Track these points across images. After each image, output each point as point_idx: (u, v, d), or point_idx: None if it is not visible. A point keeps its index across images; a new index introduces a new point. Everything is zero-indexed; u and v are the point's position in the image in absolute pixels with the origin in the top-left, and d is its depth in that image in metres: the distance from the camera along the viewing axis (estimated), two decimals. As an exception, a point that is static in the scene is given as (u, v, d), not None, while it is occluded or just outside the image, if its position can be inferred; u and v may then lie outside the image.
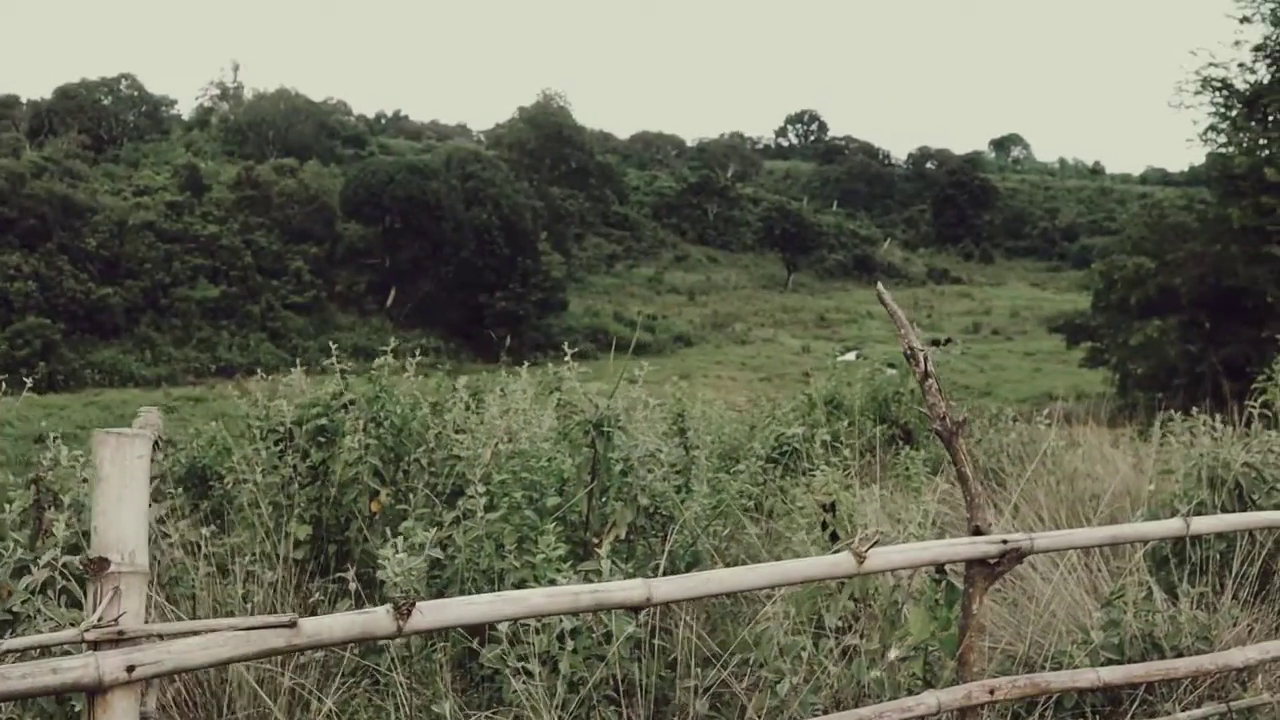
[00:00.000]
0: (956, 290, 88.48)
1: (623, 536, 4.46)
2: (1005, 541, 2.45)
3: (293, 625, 1.80)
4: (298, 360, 5.56)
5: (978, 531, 2.52)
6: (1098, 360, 34.69)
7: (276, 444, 5.40)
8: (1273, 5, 20.36)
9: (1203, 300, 20.25)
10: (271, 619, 1.80)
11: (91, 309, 47.49)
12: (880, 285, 2.98)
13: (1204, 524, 2.84)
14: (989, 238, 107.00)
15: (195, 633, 1.76)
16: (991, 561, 2.45)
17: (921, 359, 2.62)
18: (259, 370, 9.70)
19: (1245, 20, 20.72)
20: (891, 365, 12.63)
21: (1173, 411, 6.82)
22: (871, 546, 2.26)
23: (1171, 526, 2.73)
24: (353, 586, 4.01)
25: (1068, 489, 6.81)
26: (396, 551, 3.73)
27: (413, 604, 1.92)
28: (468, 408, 5.96)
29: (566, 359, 5.20)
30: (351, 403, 5.19)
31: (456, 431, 5.16)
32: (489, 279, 54.94)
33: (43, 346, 44.28)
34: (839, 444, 8.99)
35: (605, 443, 4.38)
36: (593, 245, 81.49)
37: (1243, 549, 4.05)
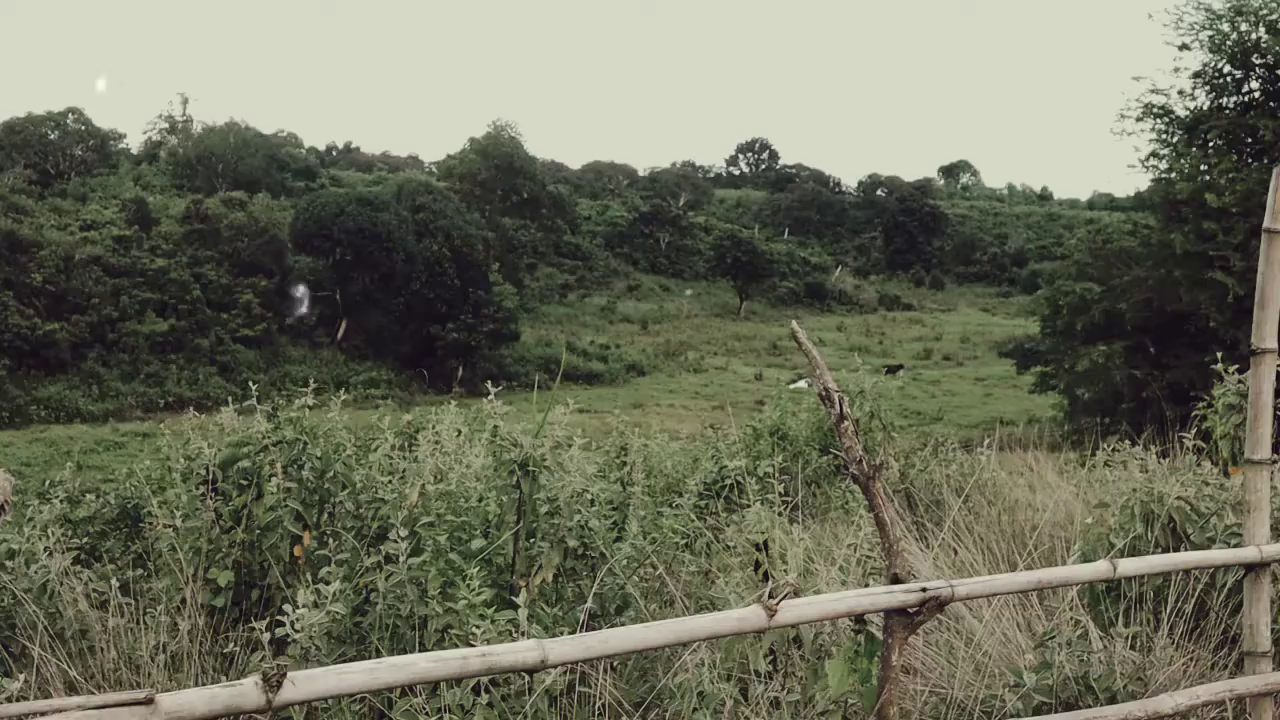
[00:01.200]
0: (908, 317, 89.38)
1: (550, 579, 4.34)
2: (924, 590, 2.36)
3: (149, 702, 1.66)
4: (253, 391, 5.36)
5: (896, 580, 2.42)
6: (1047, 385, 35.07)
7: (199, 486, 5.23)
8: (1210, 33, 20.78)
9: (1147, 325, 20.51)
10: (125, 696, 1.66)
11: (37, 344, 46.63)
12: (794, 324, 2.89)
13: (1131, 566, 2.77)
14: (939, 264, 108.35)
15: (40, 715, 1.62)
16: (911, 611, 2.36)
17: (836, 400, 2.53)
18: (208, 403, 9.49)
19: (1184, 48, 21.13)
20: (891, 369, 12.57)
21: (1118, 437, 6.79)
22: (784, 598, 2.16)
23: (1098, 569, 2.66)
24: (265, 638, 3.84)
25: (1009, 519, 6.78)
26: (299, 606, 3.57)
27: (283, 674, 1.78)
28: (403, 446, 5.82)
29: (490, 397, 5.04)
30: (275, 444, 5.03)
31: (383, 473, 5.01)
32: (440, 310, 54.63)
33: (-13, 383, 43.46)
34: (783, 476, 8.94)
35: (531, 483, 4.25)
36: (545, 275, 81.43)
37: (1177, 584, 4.00)
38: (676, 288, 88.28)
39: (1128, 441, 7.11)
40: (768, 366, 64.26)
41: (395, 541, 4.18)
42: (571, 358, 60.99)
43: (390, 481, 4.97)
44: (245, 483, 5.08)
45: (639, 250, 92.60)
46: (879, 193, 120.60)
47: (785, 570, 4.10)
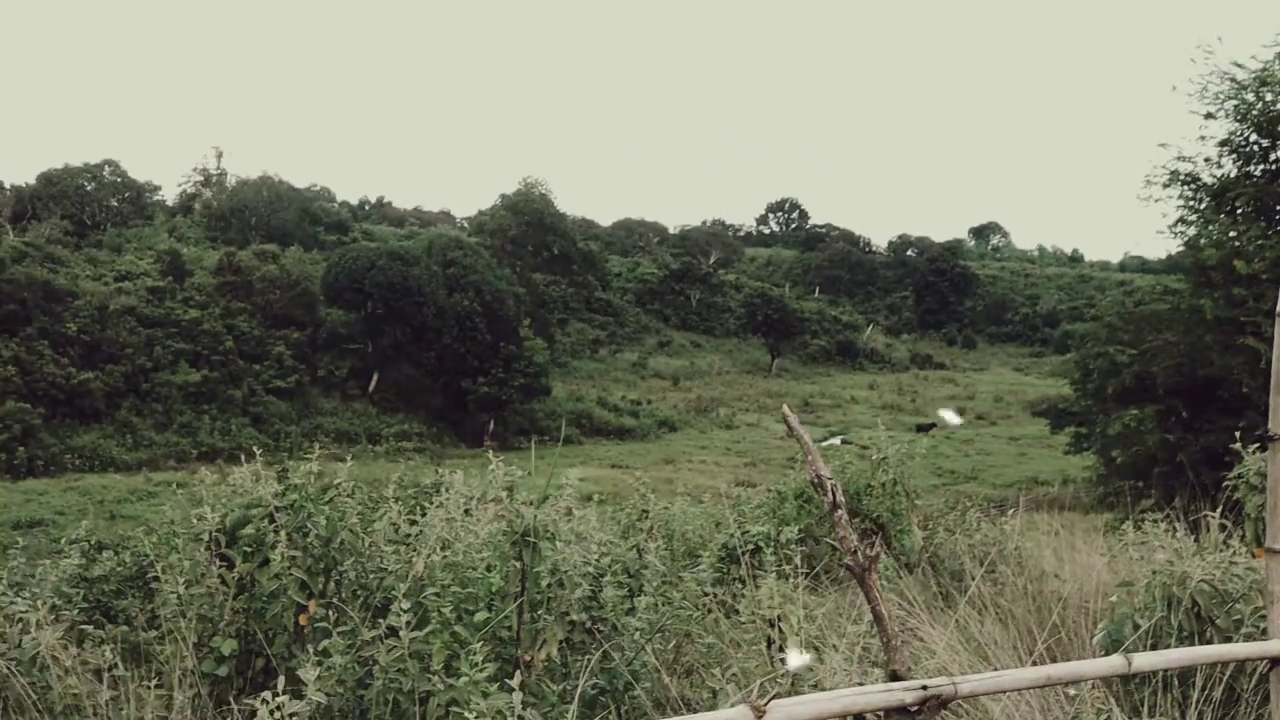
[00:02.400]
0: (940, 376, 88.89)
1: (554, 654, 4.23)
2: (925, 688, 2.25)
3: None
4: (286, 443, 5.35)
5: (895, 676, 2.32)
6: (1081, 445, 34.54)
7: (206, 549, 5.18)
8: (1235, 102, 20.66)
9: (1179, 389, 20.17)
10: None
11: (72, 394, 47.17)
12: (786, 408, 2.81)
13: (1147, 661, 2.64)
14: (971, 324, 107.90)
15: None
16: (912, 710, 2.24)
17: (829, 489, 2.45)
18: (240, 454, 9.41)
19: (1210, 116, 21.00)
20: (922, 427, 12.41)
21: (1151, 501, 6.63)
22: (773, 697, 2.06)
23: (1112, 665, 2.53)
24: (268, 710, 3.75)
25: (1035, 589, 6.60)
26: (301, 679, 3.49)
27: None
28: (414, 509, 5.75)
29: (492, 463, 4.97)
30: (280, 509, 4.97)
31: (388, 541, 4.94)
32: (471, 364, 54.85)
33: (22, 431, 43.89)
34: (809, 540, 8.78)
35: (532, 553, 4.17)
36: (576, 331, 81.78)
37: (1205, 669, 3.84)
38: (708, 344, 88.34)
39: (1159, 510, 6.92)
40: (800, 423, 63.78)
41: (398, 614, 4.10)
42: (603, 413, 60.93)
43: (396, 551, 4.89)
44: (249, 549, 5.03)
45: (670, 307, 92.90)
46: (909, 253, 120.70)
47: (798, 645, 3.99)
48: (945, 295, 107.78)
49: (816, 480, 2.46)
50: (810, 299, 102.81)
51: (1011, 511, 8.02)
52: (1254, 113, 20.15)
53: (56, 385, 46.67)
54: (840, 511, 2.46)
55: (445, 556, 4.79)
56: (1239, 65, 20.16)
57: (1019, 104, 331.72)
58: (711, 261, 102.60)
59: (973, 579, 6.23)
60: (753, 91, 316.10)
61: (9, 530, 36.16)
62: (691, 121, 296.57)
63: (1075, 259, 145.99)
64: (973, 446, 58.15)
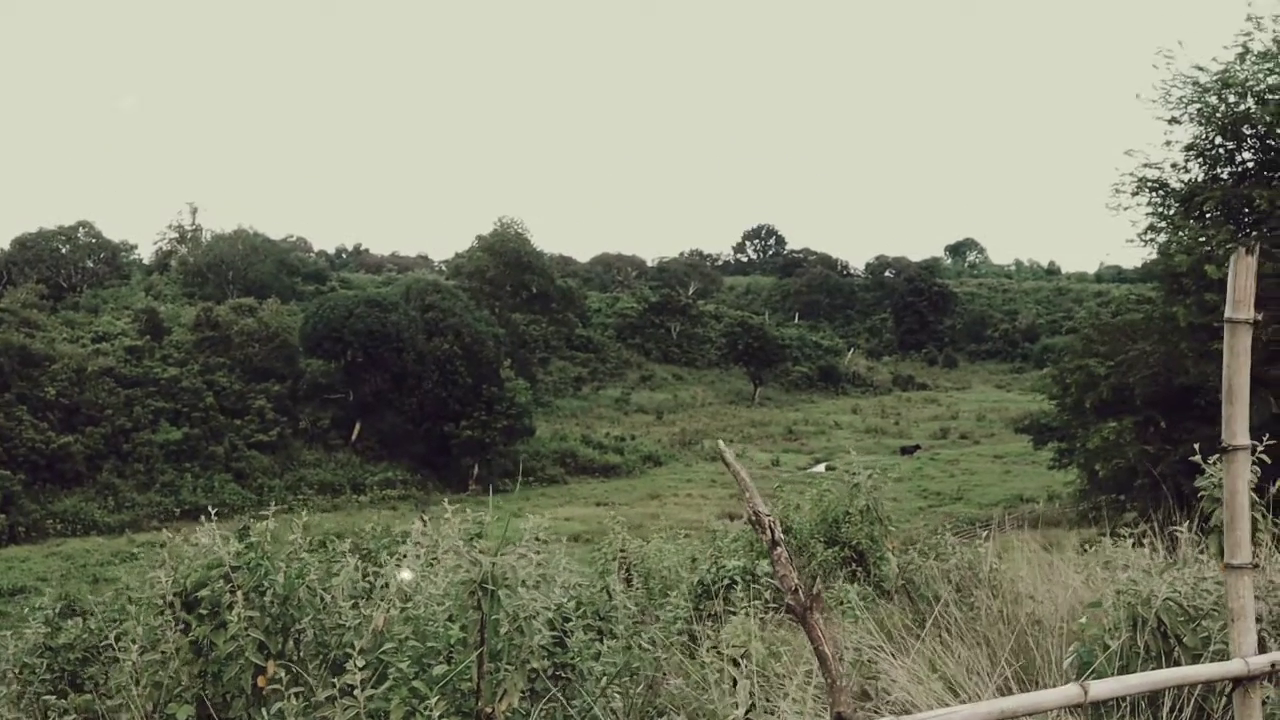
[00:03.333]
0: (922, 396, 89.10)
1: (515, 704, 4.13)
2: (870, 727, 2.19)
3: None
4: (269, 497, 5.26)
5: (840, 718, 2.25)
6: (1064, 460, 34.55)
7: (159, 615, 5.06)
8: (1198, 105, 20.82)
9: (1156, 400, 20.20)
10: None
11: (52, 458, 46.72)
12: (721, 443, 2.75)
13: (1105, 689, 2.56)
14: (951, 342, 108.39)
15: None
16: (857, 750, 2.18)
17: (767, 526, 2.38)
18: (226, 510, 9.25)
19: (1174, 121, 21.18)
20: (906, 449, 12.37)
21: (1134, 514, 6.60)
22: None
23: (1068, 694, 2.46)
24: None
25: (1011, 612, 6.53)
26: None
27: None
28: (374, 562, 5.65)
29: (446, 514, 4.87)
30: (236, 568, 4.86)
31: (347, 597, 4.84)
32: (454, 408, 54.54)
33: (3, 498, 43.43)
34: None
35: (491, 602, 4.07)
36: (558, 369, 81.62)
37: (1173, 690, 3.77)
38: (690, 376, 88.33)
39: (1140, 524, 6.87)
40: (784, 451, 63.79)
41: (353, 671, 4.00)
42: (588, 451, 60.59)
43: (355, 605, 4.79)
44: (205, 612, 4.91)
45: (650, 340, 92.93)
46: (887, 274, 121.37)
47: (759, 681, 3.90)
48: (924, 315, 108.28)
49: (754, 517, 2.40)
50: (790, 325, 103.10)
51: (986, 533, 7.94)
52: (1218, 115, 20.32)
53: (36, 450, 46.20)
54: (780, 549, 2.40)
55: (405, 609, 4.68)
56: (1200, 69, 20.35)
57: (991, 118, 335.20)
58: (690, 292, 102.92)
59: (947, 606, 6.17)
60: (725, 119, 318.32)
61: (-7, 597, 35.84)
62: (665, 152, 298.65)
63: (1052, 271, 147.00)
64: (958, 466, 58.12)
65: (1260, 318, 3.03)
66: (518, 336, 71.09)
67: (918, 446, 64.08)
